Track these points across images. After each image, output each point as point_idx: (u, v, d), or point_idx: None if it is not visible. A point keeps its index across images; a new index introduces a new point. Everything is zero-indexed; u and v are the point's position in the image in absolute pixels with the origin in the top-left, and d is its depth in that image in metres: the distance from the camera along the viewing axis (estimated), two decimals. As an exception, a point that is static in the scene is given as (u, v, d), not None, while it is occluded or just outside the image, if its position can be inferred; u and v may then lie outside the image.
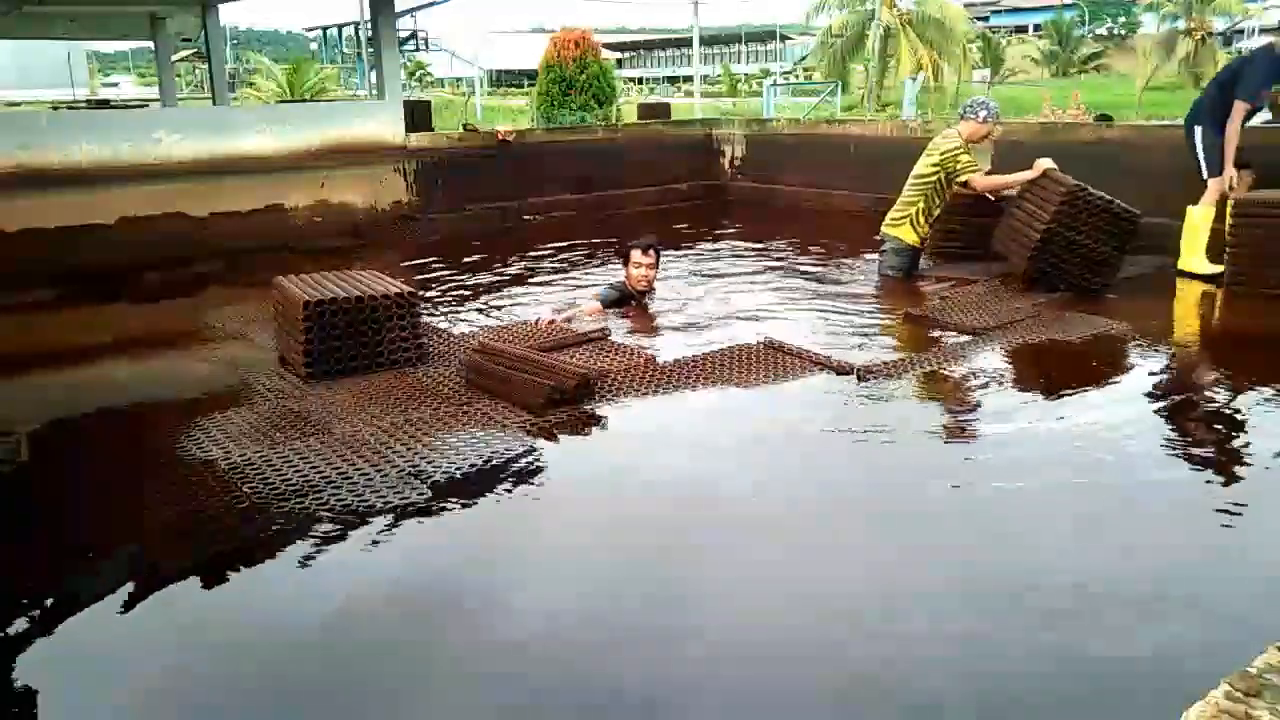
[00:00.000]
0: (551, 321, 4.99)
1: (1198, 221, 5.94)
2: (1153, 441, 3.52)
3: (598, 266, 6.96)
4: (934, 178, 5.96)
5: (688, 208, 10.21)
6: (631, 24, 69.84)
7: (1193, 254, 5.95)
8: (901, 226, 6.02)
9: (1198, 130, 6.01)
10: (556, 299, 5.84)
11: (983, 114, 6.03)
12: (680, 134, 10.80)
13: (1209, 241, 5.89)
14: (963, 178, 5.91)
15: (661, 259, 5.56)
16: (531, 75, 20.11)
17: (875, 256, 6.31)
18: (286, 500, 2.97)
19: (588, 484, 3.28)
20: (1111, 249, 5.44)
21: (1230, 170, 5.87)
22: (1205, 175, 5.96)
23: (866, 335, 5.06)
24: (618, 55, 45.84)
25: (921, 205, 5.98)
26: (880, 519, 2.98)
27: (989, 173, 6.46)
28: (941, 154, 5.92)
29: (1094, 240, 5.39)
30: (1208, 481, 3.18)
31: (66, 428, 3.92)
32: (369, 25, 12.54)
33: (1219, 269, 5.71)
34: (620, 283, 5.48)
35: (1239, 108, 5.78)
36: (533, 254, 7.55)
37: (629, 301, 5.44)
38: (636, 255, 5.38)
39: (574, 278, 6.69)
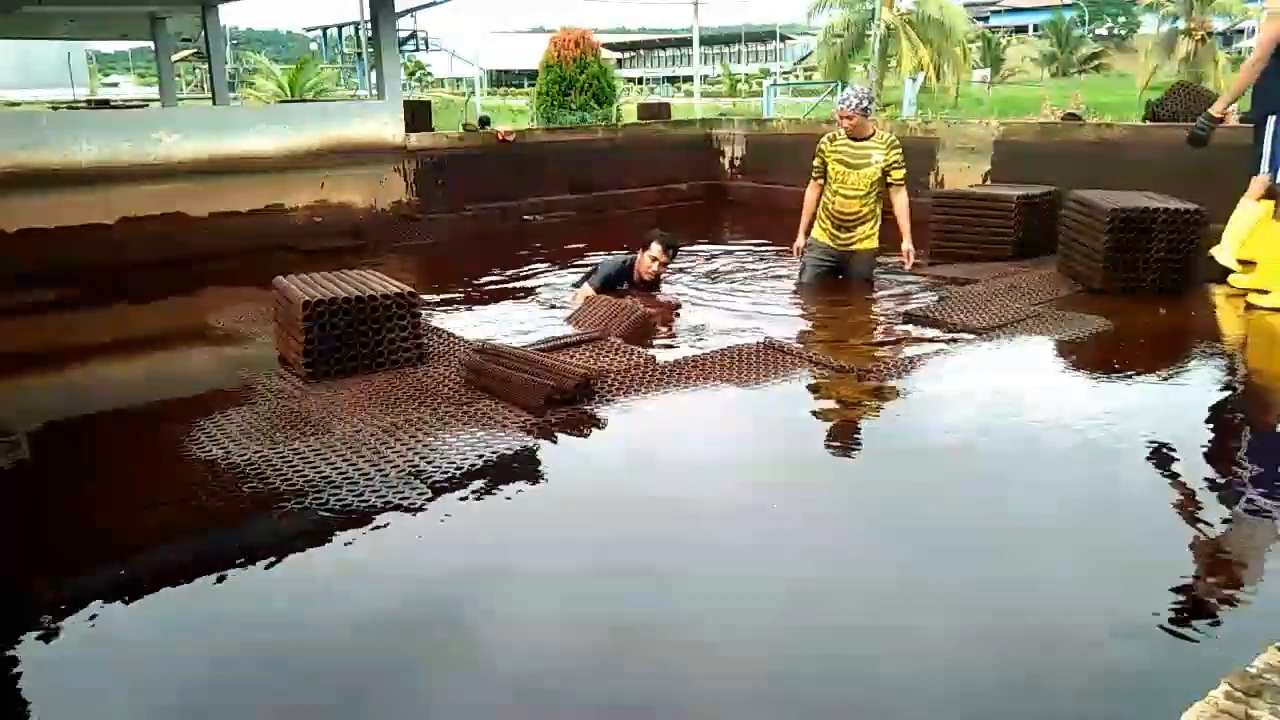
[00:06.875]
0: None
1: (1252, 215, 5.57)
2: (1152, 440, 3.52)
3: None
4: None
5: (688, 208, 10.22)
6: (631, 24, 69.94)
7: (1234, 244, 5.66)
8: (874, 235, 5.87)
9: (1271, 121, 5.42)
10: (554, 297, 5.84)
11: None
12: (680, 134, 10.80)
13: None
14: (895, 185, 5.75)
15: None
16: (531, 75, 20.09)
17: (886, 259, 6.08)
18: (286, 500, 2.97)
19: (588, 484, 3.28)
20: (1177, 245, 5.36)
21: None
22: (1268, 172, 5.52)
23: (866, 335, 5.06)
24: (618, 55, 45.88)
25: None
26: (881, 519, 2.98)
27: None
28: None
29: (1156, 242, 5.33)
30: (1214, 484, 3.18)
31: (66, 428, 3.92)
32: (369, 25, 12.53)
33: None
34: (629, 261, 5.47)
35: None
36: (533, 254, 7.55)
37: (625, 283, 5.44)
38: (656, 249, 5.40)
39: (574, 277, 6.68)
